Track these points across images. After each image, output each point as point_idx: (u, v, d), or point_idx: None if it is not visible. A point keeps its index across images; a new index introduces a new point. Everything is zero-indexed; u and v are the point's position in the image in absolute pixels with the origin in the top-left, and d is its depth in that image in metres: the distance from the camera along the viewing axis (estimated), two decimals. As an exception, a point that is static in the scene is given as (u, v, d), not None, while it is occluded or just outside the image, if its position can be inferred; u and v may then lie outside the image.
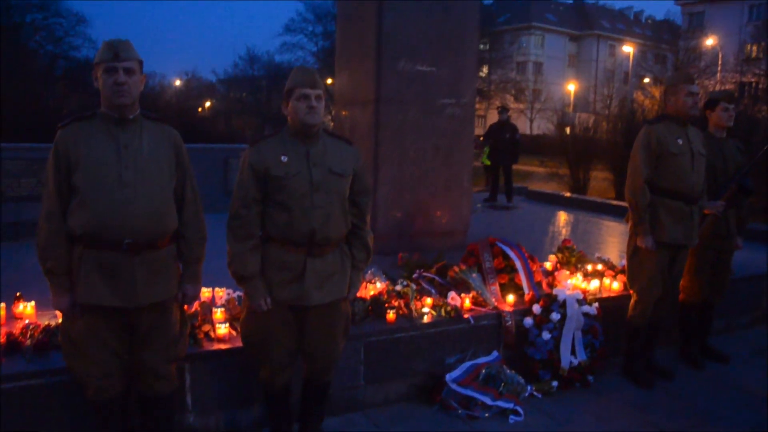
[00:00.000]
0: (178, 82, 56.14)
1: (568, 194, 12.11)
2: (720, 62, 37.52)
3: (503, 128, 10.81)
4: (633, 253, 4.27)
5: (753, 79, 34.07)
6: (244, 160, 2.88)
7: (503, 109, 11.18)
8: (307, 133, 2.85)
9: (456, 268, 4.37)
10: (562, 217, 9.27)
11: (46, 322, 3.38)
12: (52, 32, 34.36)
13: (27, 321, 3.47)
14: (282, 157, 2.81)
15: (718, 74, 37.02)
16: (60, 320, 2.85)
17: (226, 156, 9.50)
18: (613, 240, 7.27)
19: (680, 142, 4.08)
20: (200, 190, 2.95)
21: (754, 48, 38.34)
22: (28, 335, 3.23)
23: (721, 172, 4.51)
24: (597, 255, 5.36)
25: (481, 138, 12.08)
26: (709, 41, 38.51)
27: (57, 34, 34.41)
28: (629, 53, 46.76)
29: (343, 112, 6.13)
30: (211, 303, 3.71)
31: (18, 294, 3.73)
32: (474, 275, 4.29)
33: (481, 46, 33.76)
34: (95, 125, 2.64)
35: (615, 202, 10.23)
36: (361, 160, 3.04)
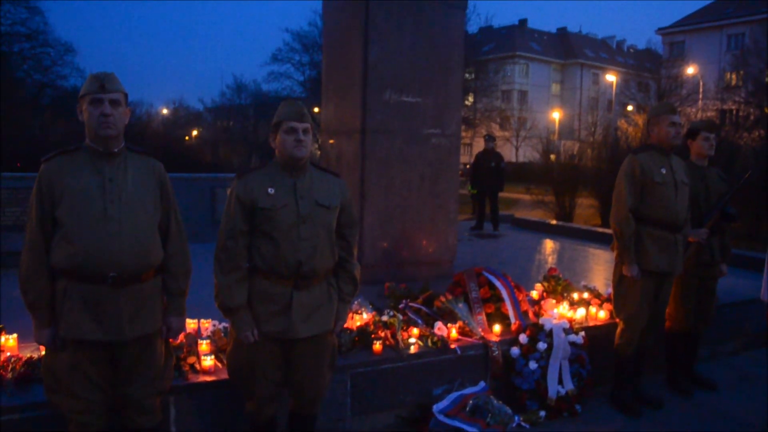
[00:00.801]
0: (165, 111, 56.34)
1: (553, 222, 12.19)
2: (701, 90, 38.18)
3: (489, 157, 10.91)
4: (619, 281, 4.30)
5: (733, 107, 34.70)
6: (231, 192, 2.89)
7: (489, 138, 11.30)
8: (294, 166, 2.88)
9: (442, 298, 4.37)
10: (548, 245, 9.32)
11: (29, 355, 3.33)
12: (40, 61, 34.42)
13: (8, 354, 3.42)
14: (269, 189, 2.83)
15: (700, 102, 37.66)
16: (42, 353, 2.82)
17: (212, 186, 9.50)
18: (599, 268, 7.30)
19: (664, 171, 4.14)
20: (187, 219, 2.95)
21: (734, 76, 39.06)
22: (10, 368, 3.19)
23: (704, 200, 4.58)
24: (583, 283, 5.38)
25: (468, 166, 12.17)
26: (690, 70, 39.21)
27: (45, 64, 34.49)
28: (612, 82, 47.48)
29: (330, 141, 6.16)
30: (197, 334, 3.68)
31: (0, 326, 3.68)
32: (460, 305, 4.29)
33: (467, 75, 34.12)
34: (80, 159, 2.64)
35: (600, 230, 10.31)
36: (348, 192, 3.06)
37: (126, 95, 2.71)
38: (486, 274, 4.57)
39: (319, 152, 7.75)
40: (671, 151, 4.23)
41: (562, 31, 67.24)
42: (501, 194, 11.22)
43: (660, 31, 48.07)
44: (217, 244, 2.88)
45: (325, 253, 2.92)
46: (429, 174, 5.82)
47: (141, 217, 2.65)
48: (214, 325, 3.81)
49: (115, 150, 2.66)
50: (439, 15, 5.79)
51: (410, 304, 4.46)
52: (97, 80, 2.60)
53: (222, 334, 3.65)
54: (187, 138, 46.63)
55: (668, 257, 4.15)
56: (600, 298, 5.03)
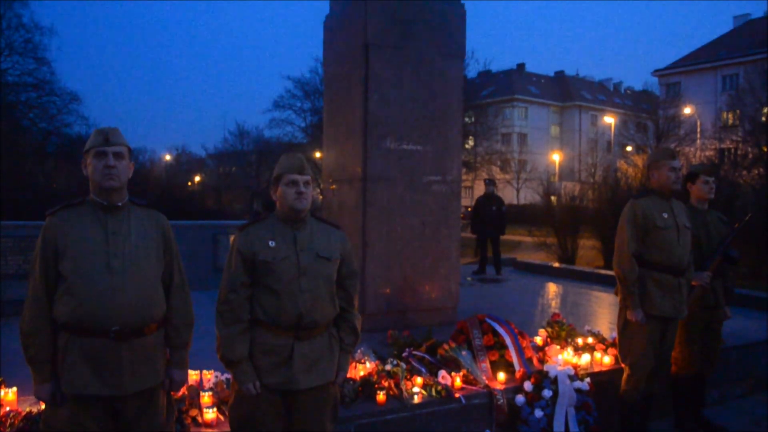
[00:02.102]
0: (168, 157, 56.80)
1: (556, 264, 12.16)
2: (699, 130, 38.52)
3: (490, 200, 10.95)
4: (624, 326, 4.27)
5: (731, 146, 34.91)
6: (233, 245, 2.92)
7: (489, 182, 11.36)
8: (295, 218, 2.91)
9: (446, 346, 4.35)
10: (551, 288, 9.28)
11: (28, 409, 3.30)
12: (46, 110, 34.84)
13: (8, 408, 3.39)
14: (270, 242, 2.85)
15: (698, 141, 37.94)
16: (42, 408, 2.79)
17: (215, 233, 9.53)
18: (603, 311, 7.26)
19: (665, 216, 4.16)
20: (189, 267, 2.96)
21: (730, 115, 39.44)
22: (8, 423, 3.15)
23: (706, 243, 4.59)
24: (587, 327, 5.35)
25: (469, 209, 12.21)
26: (687, 110, 39.62)
27: (50, 112, 34.90)
28: (611, 124, 47.95)
29: (332, 186, 6.21)
30: (199, 386, 3.65)
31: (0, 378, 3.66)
32: (464, 353, 4.26)
33: (466, 119, 34.49)
34: (84, 212, 2.67)
35: (603, 272, 10.28)
36: (348, 244, 3.08)
37: (130, 149, 2.75)
38: (489, 321, 4.55)
39: (321, 197, 7.77)
40: (672, 195, 4.26)
41: (560, 75, 68.23)
42: (503, 237, 11.23)
43: (656, 72, 48.74)
44: (218, 296, 2.89)
45: (326, 304, 2.92)
46: (430, 221, 5.85)
47: (144, 271, 2.66)
48: (216, 377, 3.78)
49: (119, 203, 2.69)
50: (438, 65, 5.90)
51: (414, 352, 4.43)
52: (102, 134, 2.65)
53: (224, 386, 3.63)
54: (189, 184, 46.94)
55: (672, 301, 4.14)
56: (605, 343, 5.00)
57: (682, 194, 4.65)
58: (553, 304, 7.97)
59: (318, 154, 29.20)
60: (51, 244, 2.59)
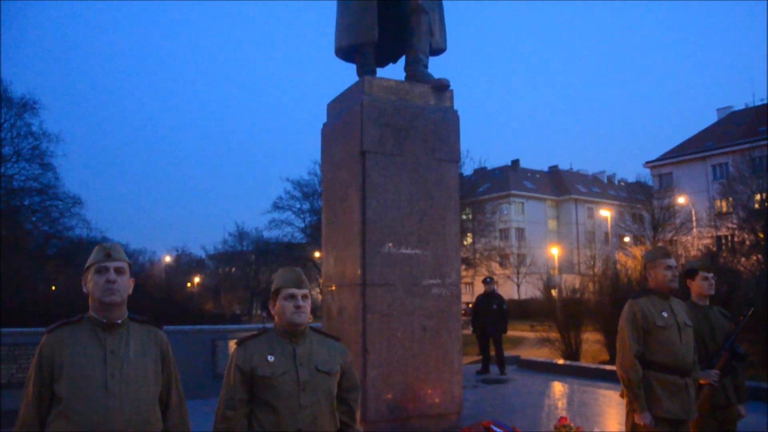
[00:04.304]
0: (168, 258, 56.89)
1: (560, 361, 11.97)
2: (694, 218, 38.89)
3: (490, 299, 10.88)
4: (631, 430, 4.15)
5: (728, 233, 35.16)
6: (231, 359, 2.89)
7: (489, 280, 11.32)
8: (294, 332, 2.91)
9: (451, 457, 4.21)
10: (557, 387, 9.07)
11: None
12: (49, 214, 35.26)
13: None
14: (269, 357, 2.84)
15: (694, 230, 38.21)
16: None
17: (213, 338, 9.42)
18: (611, 411, 7.07)
19: (665, 315, 4.13)
20: (187, 374, 2.92)
21: (724, 203, 39.97)
22: None
23: (710, 340, 4.53)
24: (596, 429, 5.20)
25: (470, 305, 12.13)
26: (681, 199, 40.17)
27: (53, 216, 35.32)
28: (607, 217, 48.47)
29: (332, 288, 6.20)
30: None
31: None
32: (470, 464, 4.12)
33: (464, 216, 34.86)
34: (82, 330, 2.66)
35: (609, 367, 10.09)
36: (348, 356, 3.07)
37: (131, 265, 2.78)
38: (494, 428, 4.44)
39: (320, 297, 7.72)
40: (670, 294, 4.25)
41: (554, 169, 69.70)
42: (505, 334, 11.09)
43: (648, 164, 49.80)
44: (216, 414, 2.84)
45: (326, 420, 2.86)
46: (431, 325, 5.80)
47: (142, 391, 2.63)
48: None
49: (118, 321, 2.68)
50: (434, 170, 6.03)
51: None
52: (103, 250, 2.69)
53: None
54: (189, 285, 46.82)
55: (680, 402, 4.04)
56: (615, 449, 4.84)
57: (683, 290, 4.65)
58: (560, 404, 7.77)
59: (317, 254, 29.30)
60: (47, 364, 2.57)
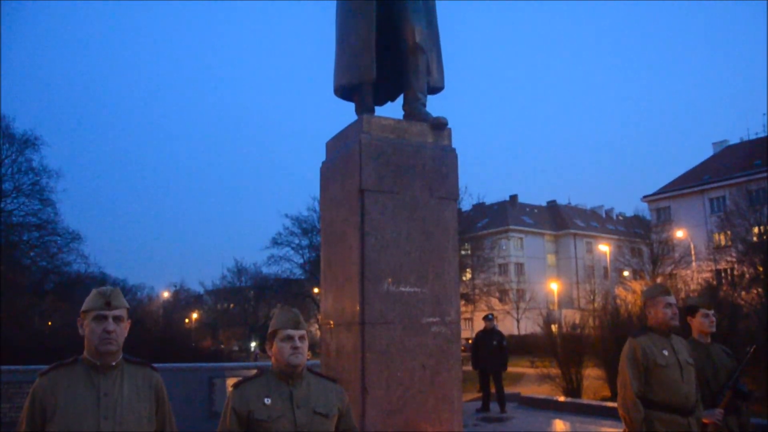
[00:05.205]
0: (166, 294, 56.63)
1: (562, 398, 11.82)
2: (693, 252, 38.87)
3: (490, 336, 10.81)
4: (635, 472, 4.08)
5: (727, 266, 35.10)
6: (227, 402, 2.88)
7: (489, 317, 11.26)
8: (291, 374, 2.89)
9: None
10: (559, 426, 8.96)
11: None
12: (47, 249, 35.20)
13: None
14: (265, 400, 2.81)
15: (693, 263, 38.15)
16: None
17: (210, 376, 9.33)
18: (614, 451, 6.97)
19: (666, 353, 4.10)
20: (184, 412, 2.90)
21: (722, 237, 40.01)
22: None
23: (713, 378, 4.48)
24: (599, 473, 5.11)
25: (470, 341, 12.05)
26: (680, 233, 40.19)
27: (51, 251, 35.26)
28: (605, 252, 48.41)
29: (331, 325, 6.15)
30: None
31: None
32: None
33: (463, 252, 34.76)
34: (76, 372, 2.65)
35: (611, 404, 9.95)
36: (346, 398, 3.05)
37: (129, 310, 2.77)
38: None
39: (318, 333, 7.69)
40: (670, 332, 4.22)
41: (552, 204, 69.83)
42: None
43: (645, 198, 49.96)
44: (212, 457, 2.80)
45: (325, 463, 2.82)
46: (431, 363, 5.74)
47: (135, 433, 2.59)
48: None
49: (113, 363, 2.66)
50: (433, 208, 6.03)
51: None
52: (103, 297, 2.67)
53: None
54: (187, 321, 46.47)
55: (684, 442, 3.99)
56: (619, 491, 4.75)
57: (683, 327, 4.61)
58: (562, 444, 7.66)
59: (316, 290, 29.17)
60: (39, 407, 2.55)
